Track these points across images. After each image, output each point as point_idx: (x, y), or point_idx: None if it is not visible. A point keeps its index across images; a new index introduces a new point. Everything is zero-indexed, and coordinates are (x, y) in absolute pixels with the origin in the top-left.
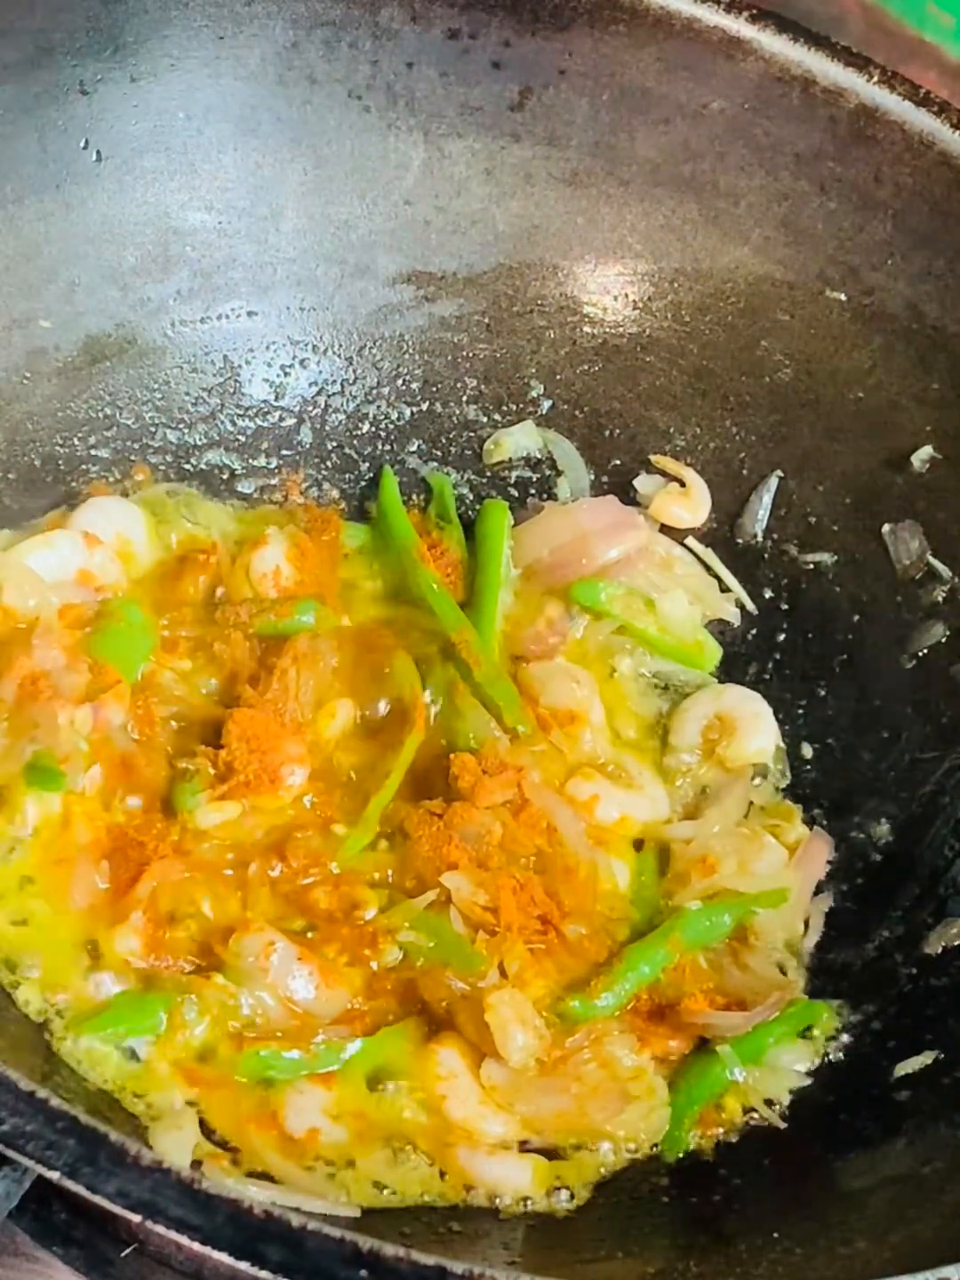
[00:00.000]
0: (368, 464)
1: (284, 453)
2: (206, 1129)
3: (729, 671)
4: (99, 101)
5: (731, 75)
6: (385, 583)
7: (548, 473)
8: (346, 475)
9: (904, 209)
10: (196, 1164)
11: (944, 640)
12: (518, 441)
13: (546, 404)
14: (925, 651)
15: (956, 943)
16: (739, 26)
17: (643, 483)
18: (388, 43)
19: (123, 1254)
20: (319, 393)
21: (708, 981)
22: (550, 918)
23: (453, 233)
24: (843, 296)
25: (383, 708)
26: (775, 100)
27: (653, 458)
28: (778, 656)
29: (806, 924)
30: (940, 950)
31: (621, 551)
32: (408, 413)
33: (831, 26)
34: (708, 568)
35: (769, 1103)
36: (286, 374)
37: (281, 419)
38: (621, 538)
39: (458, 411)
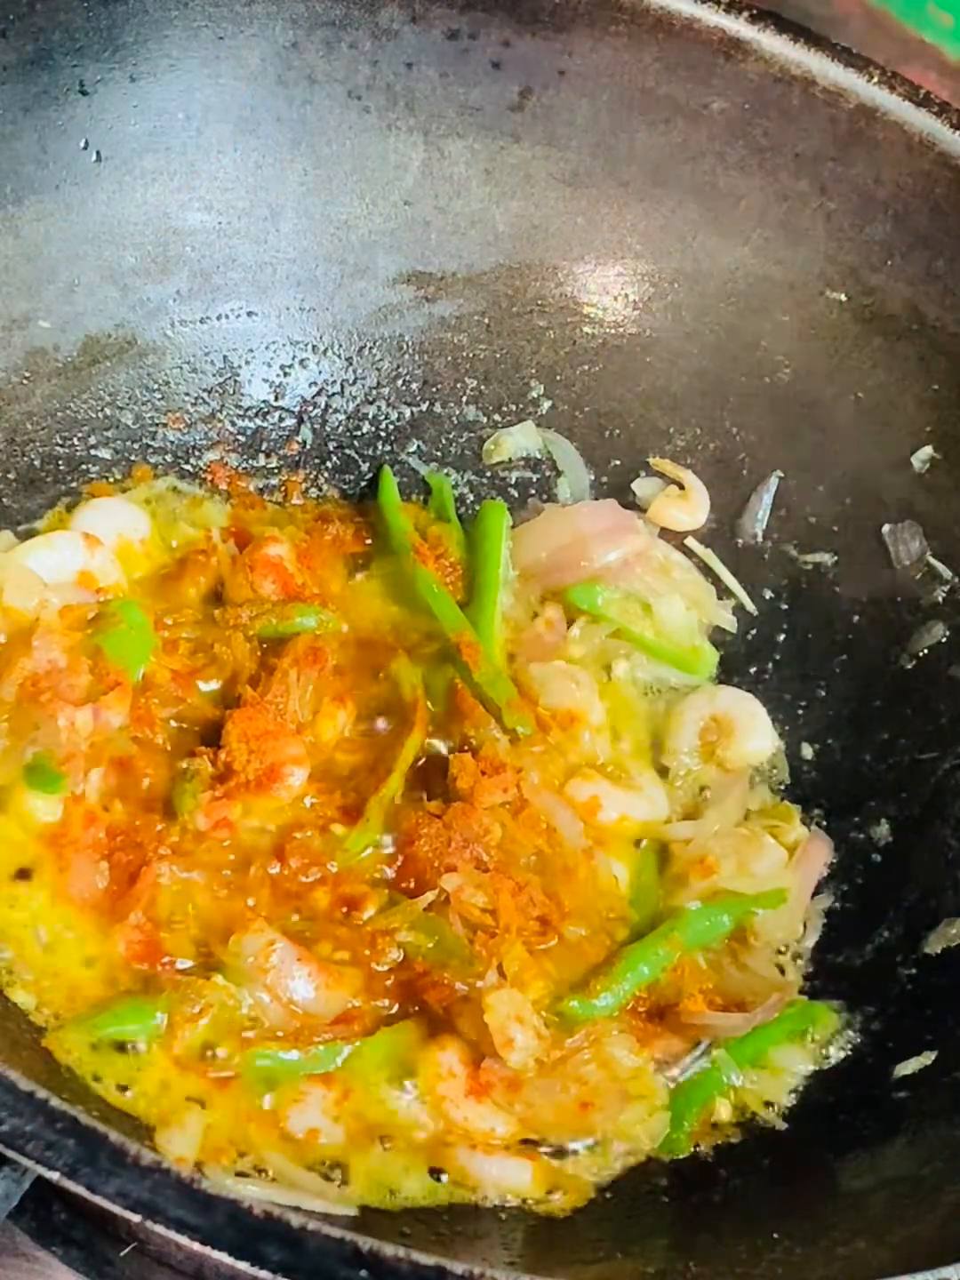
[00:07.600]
0: (367, 464)
1: (284, 453)
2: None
3: (729, 672)
4: (99, 102)
5: (731, 75)
6: (385, 583)
7: (547, 473)
8: (346, 475)
9: (904, 209)
10: (198, 1164)
11: (944, 640)
12: (517, 442)
13: (546, 404)
14: (925, 651)
15: (956, 943)
16: (739, 27)
17: (642, 486)
18: (388, 43)
19: (122, 1253)
20: (319, 393)
21: (707, 982)
22: (549, 918)
23: (453, 233)
24: (843, 296)
25: (383, 709)
26: (775, 100)
27: (652, 460)
28: (777, 657)
29: (806, 924)
30: (940, 950)
31: (620, 555)
32: (408, 413)
33: (831, 27)
34: (707, 569)
35: (768, 1104)
36: (286, 374)
37: (281, 419)
38: (620, 541)
39: (457, 412)
